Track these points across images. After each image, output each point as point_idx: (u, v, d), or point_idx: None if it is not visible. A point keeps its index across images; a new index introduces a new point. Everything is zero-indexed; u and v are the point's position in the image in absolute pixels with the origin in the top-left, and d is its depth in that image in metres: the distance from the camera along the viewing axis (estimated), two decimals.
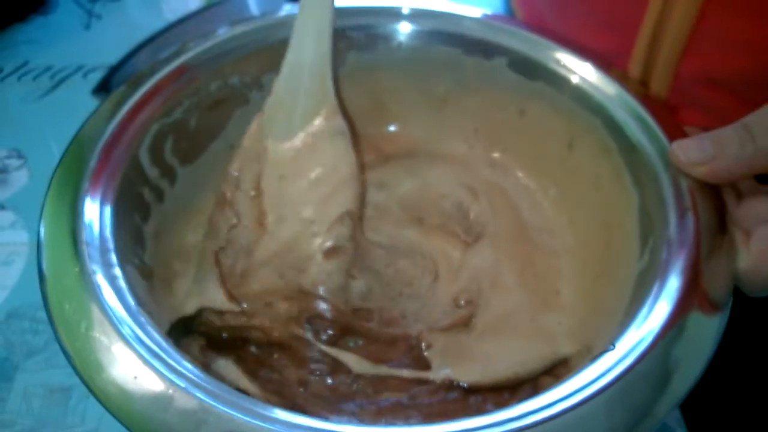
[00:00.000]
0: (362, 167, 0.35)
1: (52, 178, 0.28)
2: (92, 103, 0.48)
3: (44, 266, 0.25)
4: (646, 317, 0.24)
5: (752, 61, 0.35)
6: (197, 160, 0.34)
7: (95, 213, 0.26)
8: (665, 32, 0.36)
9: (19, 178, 0.44)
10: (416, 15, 0.36)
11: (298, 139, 0.32)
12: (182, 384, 0.21)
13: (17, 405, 0.33)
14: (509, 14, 0.49)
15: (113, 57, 0.50)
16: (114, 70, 0.49)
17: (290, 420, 0.21)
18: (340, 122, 0.33)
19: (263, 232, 0.31)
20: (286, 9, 0.41)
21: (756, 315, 0.39)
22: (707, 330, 0.24)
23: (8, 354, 0.35)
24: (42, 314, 0.36)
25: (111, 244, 0.26)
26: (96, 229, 0.26)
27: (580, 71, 0.34)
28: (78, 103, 0.48)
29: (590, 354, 0.27)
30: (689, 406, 0.34)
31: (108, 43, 0.53)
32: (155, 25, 0.53)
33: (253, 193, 0.32)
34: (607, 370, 0.23)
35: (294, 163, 0.32)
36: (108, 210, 0.27)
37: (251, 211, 0.32)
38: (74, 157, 0.28)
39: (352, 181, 0.32)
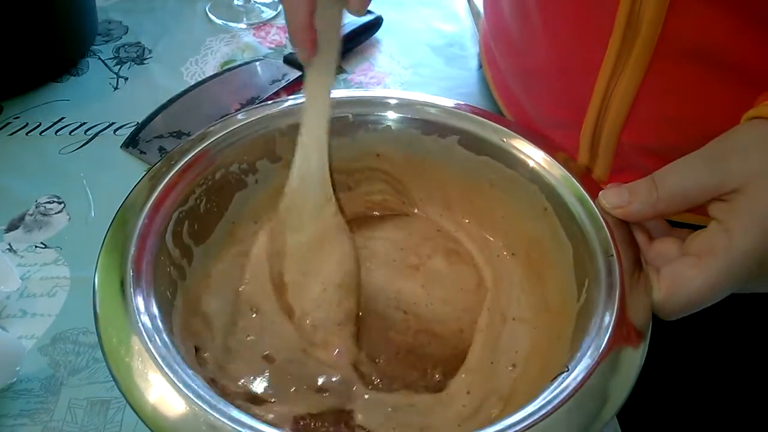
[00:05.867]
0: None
1: (103, 241, 0.33)
2: (122, 155, 0.53)
3: (98, 311, 0.31)
4: (589, 346, 0.30)
5: (679, 135, 0.40)
6: (207, 241, 0.39)
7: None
8: (609, 110, 0.42)
9: (60, 220, 0.47)
10: (399, 105, 0.43)
11: (309, 234, 0.38)
12: (201, 404, 0.27)
13: (63, 414, 0.37)
14: (494, 105, 0.56)
15: (139, 115, 0.55)
16: (140, 128, 0.54)
17: None
18: (341, 221, 0.39)
19: (286, 321, 0.37)
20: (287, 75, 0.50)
21: (680, 335, 0.45)
22: (634, 356, 0.30)
23: (54, 372, 0.39)
24: (83, 338, 0.42)
25: (151, 304, 0.32)
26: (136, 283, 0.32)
27: (524, 149, 0.40)
28: (109, 155, 0.53)
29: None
30: (626, 420, 0.40)
31: (134, 102, 0.57)
32: (176, 87, 0.58)
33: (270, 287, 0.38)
34: (565, 388, 0.28)
35: (310, 257, 0.38)
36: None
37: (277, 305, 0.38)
38: (120, 222, 0.34)
39: (356, 276, 0.38)
